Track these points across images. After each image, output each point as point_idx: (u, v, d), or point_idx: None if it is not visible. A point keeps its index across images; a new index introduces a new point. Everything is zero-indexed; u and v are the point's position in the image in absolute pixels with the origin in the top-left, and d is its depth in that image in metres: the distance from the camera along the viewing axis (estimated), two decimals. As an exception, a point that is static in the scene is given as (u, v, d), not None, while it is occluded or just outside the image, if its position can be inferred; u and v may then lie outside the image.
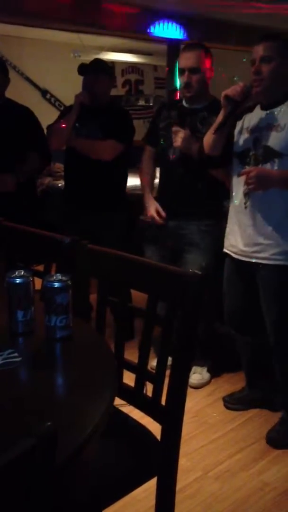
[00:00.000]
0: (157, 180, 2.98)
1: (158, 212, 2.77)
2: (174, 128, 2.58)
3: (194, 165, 2.57)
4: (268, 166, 2.16)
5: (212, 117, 2.59)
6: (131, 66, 6.80)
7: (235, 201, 2.31)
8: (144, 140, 2.95)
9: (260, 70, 2.14)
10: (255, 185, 2.14)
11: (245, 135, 2.26)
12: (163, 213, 2.76)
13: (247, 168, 2.21)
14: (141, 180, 2.95)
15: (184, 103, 2.73)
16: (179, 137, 2.55)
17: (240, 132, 2.29)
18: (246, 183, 2.17)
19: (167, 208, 2.77)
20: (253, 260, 2.26)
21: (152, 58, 6.53)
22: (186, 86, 2.60)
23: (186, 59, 2.60)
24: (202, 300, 1.44)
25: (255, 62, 2.15)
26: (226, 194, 2.72)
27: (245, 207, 2.25)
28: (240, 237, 2.30)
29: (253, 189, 2.17)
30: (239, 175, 2.25)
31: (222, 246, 2.64)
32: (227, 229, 2.41)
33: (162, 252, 2.78)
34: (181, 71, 2.62)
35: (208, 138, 2.35)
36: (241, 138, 2.28)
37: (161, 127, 2.77)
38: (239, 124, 2.32)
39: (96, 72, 2.94)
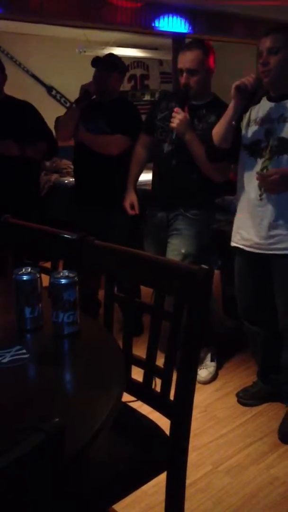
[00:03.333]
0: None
1: (132, 205, 2.86)
2: (176, 109, 2.56)
3: (188, 157, 2.56)
4: (284, 157, 2.13)
5: (210, 115, 2.59)
6: (136, 61, 6.78)
7: (248, 194, 2.27)
8: (141, 129, 2.92)
9: (267, 61, 2.13)
10: (275, 189, 2.13)
11: (254, 127, 2.23)
12: (135, 207, 2.87)
13: (260, 161, 2.19)
14: (131, 167, 2.93)
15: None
16: (177, 118, 2.53)
17: (248, 124, 2.27)
18: (263, 185, 2.15)
19: (159, 200, 2.77)
20: (269, 252, 2.24)
21: (157, 53, 6.50)
22: (185, 87, 2.57)
23: (184, 60, 2.56)
24: (209, 295, 1.44)
25: (263, 53, 2.14)
26: (217, 188, 2.73)
27: (261, 199, 2.21)
28: (255, 230, 2.27)
29: (272, 192, 2.16)
30: (259, 171, 2.19)
31: (208, 237, 2.67)
32: (237, 224, 2.38)
33: (159, 246, 2.77)
34: (180, 71, 2.59)
35: (219, 130, 2.31)
36: (249, 130, 2.26)
37: (159, 118, 2.73)
38: (245, 117, 2.29)
39: (110, 69, 2.95)
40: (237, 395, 2.65)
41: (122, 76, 3.13)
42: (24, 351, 1.27)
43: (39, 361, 1.28)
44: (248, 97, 2.20)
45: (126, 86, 6.72)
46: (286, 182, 2.12)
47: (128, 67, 6.69)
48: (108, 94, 2.98)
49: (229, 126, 2.26)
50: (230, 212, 3.12)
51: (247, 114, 2.29)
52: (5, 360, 1.22)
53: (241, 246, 2.36)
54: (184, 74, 2.56)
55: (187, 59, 2.55)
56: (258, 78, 2.16)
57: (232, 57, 5.51)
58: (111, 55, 3.11)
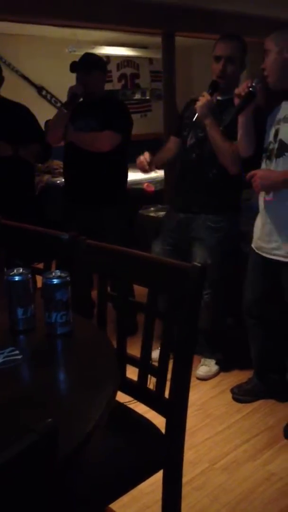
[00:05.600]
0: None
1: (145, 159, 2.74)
2: (204, 93, 2.57)
3: (208, 150, 2.58)
4: (280, 161, 2.13)
5: (232, 106, 2.59)
6: (126, 60, 6.76)
7: (260, 197, 2.29)
8: (171, 133, 2.96)
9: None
10: (258, 187, 2.15)
11: (271, 128, 2.23)
12: (148, 160, 2.71)
13: (269, 163, 2.20)
14: (158, 152, 2.93)
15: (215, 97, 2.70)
16: (202, 100, 2.54)
17: (270, 125, 2.26)
18: (251, 184, 2.17)
19: (178, 199, 2.77)
20: (273, 257, 2.25)
21: (147, 51, 6.49)
22: (221, 74, 2.57)
23: (225, 47, 2.57)
24: (201, 293, 1.43)
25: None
26: (237, 187, 2.71)
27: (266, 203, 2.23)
28: (260, 233, 2.29)
29: (257, 191, 2.19)
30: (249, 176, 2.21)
31: (232, 242, 2.63)
32: (255, 225, 2.39)
33: (167, 245, 2.77)
34: (217, 59, 2.58)
35: (238, 141, 2.36)
36: (269, 131, 2.25)
37: (186, 116, 2.76)
38: (269, 119, 2.28)
39: (88, 68, 2.93)
40: (232, 391, 2.65)
41: (104, 73, 3.12)
42: (17, 352, 1.26)
43: (32, 362, 1.27)
44: (245, 102, 2.21)
45: (116, 85, 6.70)
46: (264, 181, 2.12)
47: (118, 66, 6.67)
48: (94, 92, 2.98)
49: (243, 134, 2.30)
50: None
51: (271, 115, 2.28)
52: (-2, 362, 1.22)
53: (253, 246, 2.38)
54: (222, 61, 2.55)
55: (228, 46, 2.56)
56: (252, 82, 2.19)
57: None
58: (87, 54, 3.08)
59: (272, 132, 2.21)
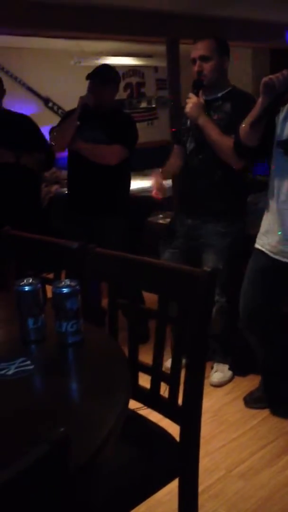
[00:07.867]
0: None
1: (157, 186, 2.72)
2: (189, 94, 2.54)
3: (210, 153, 2.54)
4: None
5: (225, 104, 2.56)
6: (132, 69, 6.80)
7: (278, 197, 2.14)
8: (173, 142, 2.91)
9: None
10: None
11: None
12: (163, 187, 2.70)
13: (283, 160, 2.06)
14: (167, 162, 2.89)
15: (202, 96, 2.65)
16: (190, 103, 2.52)
17: (285, 119, 2.10)
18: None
19: (186, 206, 2.75)
20: None
21: (152, 60, 6.52)
22: (198, 74, 2.56)
23: (196, 49, 2.56)
24: (213, 298, 1.43)
25: None
26: (243, 188, 2.67)
27: None
28: (282, 236, 2.15)
29: None
30: None
31: (240, 246, 2.60)
32: (265, 227, 2.25)
33: (177, 252, 2.75)
34: (193, 61, 2.58)
35: (244, 127, 2.17)
36: (286, 125, 2.09)
37: (182, 122, 2.74)
38: (283, 110, 2.11)
39: (104, 81, 2.97)
40: (244, 399, 2.61)
41: (117, 86, 3.15)
42: (28, 362, 1.26)
43: (43, 371, 1.27)
44: (277, 95, 1.99)
45: (122, 94, 6.73)
46: None
47: (123, 75, 6.71)
48: (105, 105, 3.00)
49: (254, 124, 2.09)
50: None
51: (286, 107, 2.11)
52: (10, 373, 1.22)
53: (265, 251, 2.24)
54: (197, 62, 2.55)
55: (199, 47, 2.55)
56: None
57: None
58: (104, 66, 3.11)
59: None
